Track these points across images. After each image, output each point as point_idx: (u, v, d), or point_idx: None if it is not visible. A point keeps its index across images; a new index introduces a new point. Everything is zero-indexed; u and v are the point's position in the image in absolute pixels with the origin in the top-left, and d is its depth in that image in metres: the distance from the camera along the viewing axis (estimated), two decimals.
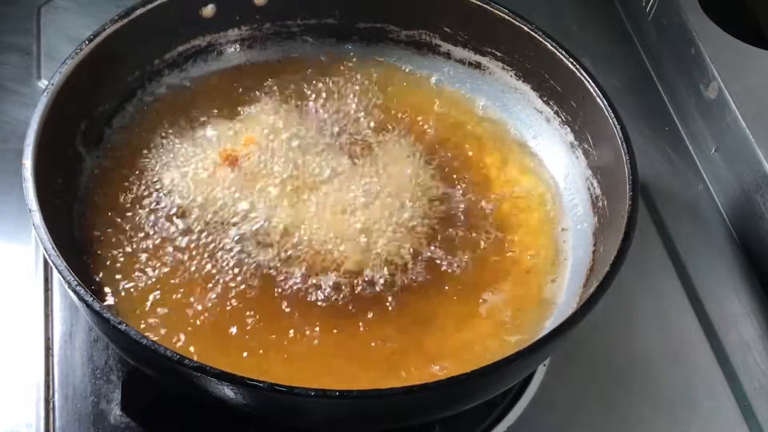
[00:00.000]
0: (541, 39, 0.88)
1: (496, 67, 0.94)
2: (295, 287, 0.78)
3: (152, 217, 0.82)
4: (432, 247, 0.82)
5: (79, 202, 0.82)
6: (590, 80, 0.84)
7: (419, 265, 0.81)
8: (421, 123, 0.92)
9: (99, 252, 0.79)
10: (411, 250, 0.81)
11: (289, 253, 0.80)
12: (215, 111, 0.90)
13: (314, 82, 0.94)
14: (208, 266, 0.79)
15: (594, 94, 0.84)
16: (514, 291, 0.81)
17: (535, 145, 0.92)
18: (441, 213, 0.85)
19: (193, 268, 0.79)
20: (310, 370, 0.74)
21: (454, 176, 0.89)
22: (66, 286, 0.68)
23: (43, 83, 1.02)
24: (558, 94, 0.90)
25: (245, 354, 0.74)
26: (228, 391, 0.65)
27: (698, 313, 0.92)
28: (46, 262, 0.87)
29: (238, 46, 0.95)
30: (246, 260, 0.79)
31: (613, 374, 0.87)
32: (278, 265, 0.79)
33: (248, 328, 0.76)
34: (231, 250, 0.80)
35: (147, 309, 0.76)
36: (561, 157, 0.90)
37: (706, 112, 1.03)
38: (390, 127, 0.91)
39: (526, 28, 0.89)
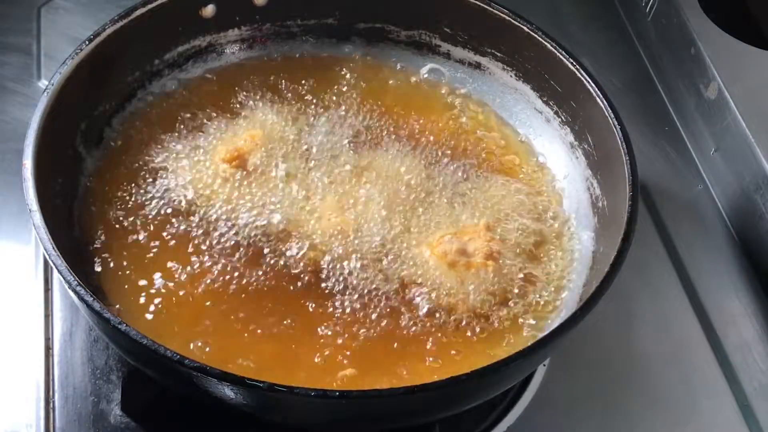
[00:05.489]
0: (541, 39, 0.88)
1: (496, 67, 0.94)
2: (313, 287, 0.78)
3: (153, 217, 0.82)
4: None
5: (79, 202, 0.82)
6: (590, 80, 0.85)
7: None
8: (419, 122, 0.92)
9: (99, 252, 0.79)
10: (415, 246, 0.81)
11: (294, 251, 0.80)
12: (215, 110, 0.90)
13: (314, 82, 0.94)
14: (211, 266, 0.79)
15: (594, 94, 0.84)
16: None
17: (535, 145, 0.92)
18: None
19: (194, 268, 0.79)
20: None
21: None
22: (66, 286, 0.68)
23: (43, 83, 1.02)
24: (558, 94, 0.90)
25: (248, 356, 0.75)
26: (228, 391, 0.65)
27: (698, 313, 0.92)
28: (46, 262, 0.87)
29: (238, 46, 0.95)
30: (250, 258, 0.79)
31: (613, 374, 0.87)
32: (281, 263, 0.79)
33: (253, 326, 0.77)
34: (235, 248, 0.80)
35: (147, 309, 0.77)
36: (561, 157, 0.90)
37: (706, 112, 1.03)
38: (389, 126, 0.91)
39: (526, 28, 0.89)
